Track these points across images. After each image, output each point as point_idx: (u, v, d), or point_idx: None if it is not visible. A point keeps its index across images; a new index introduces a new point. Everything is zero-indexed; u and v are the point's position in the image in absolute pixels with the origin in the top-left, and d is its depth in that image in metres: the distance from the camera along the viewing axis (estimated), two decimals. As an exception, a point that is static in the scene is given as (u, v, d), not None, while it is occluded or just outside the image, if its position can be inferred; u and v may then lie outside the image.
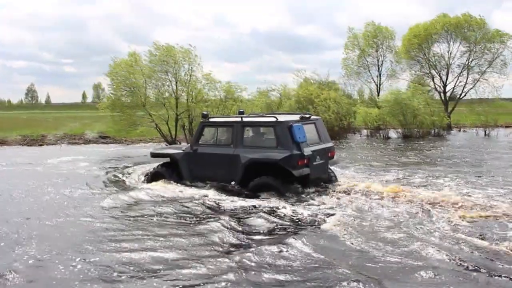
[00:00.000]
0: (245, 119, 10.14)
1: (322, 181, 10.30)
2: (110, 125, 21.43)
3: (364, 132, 27.38)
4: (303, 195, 9.38)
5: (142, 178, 11.86)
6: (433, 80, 32.49)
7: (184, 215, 8.21)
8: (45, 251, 6.22)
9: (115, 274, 5.42)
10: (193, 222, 7.78)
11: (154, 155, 11.60)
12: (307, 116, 10.39)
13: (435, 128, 26.19)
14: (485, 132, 27.07)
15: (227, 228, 7.25)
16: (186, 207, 8.71)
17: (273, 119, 9.61)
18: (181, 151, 10.73)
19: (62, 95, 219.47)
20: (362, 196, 9.31)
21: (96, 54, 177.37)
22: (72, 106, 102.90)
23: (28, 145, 22.54)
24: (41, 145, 22.68)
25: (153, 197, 9.63)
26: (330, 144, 10.55)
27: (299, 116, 10.18)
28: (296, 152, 9.24)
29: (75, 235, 7.08)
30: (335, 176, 10.82)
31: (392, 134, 25.88)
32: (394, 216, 7.79)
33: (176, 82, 18.66)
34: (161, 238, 6.77)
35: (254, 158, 9.51)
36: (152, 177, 11.15)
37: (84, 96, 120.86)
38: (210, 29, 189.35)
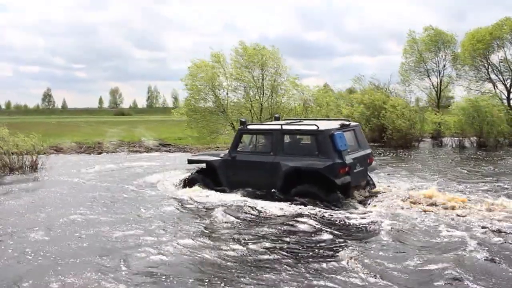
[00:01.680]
0: (285, 127, 10.07)
1: (361, 187, 10.41)
2: (189, 133, 19.76)
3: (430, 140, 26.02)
4: (345, 203, 9.39)
5: (179, 183, 11.64)
6: (494, 86, 30.82)
7: (229, 222, 8.37)
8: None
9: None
10: (239, 230, 7.90)
11: (191, 162, 11.59)
12: (347, 123, 10.32)
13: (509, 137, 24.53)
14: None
15: (279, 237, 7.41)
16: (229, 214, 8.86)
17: (314, 128, 9.53)
18: (219, 158, 10.67)
19: (74, 100, 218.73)
20: (399, 204, 9.41)
21: (106, 59, 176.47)
22: (89, 111, 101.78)
23: (86, 153, 21.01)
24: (99, 153, 21.12)
25: (195, 204, 9.88)
26: (368, 151, 10.67)
27: (339, 123, 10.12)
28: (338, 160, 9.22)
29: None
30: (373, 182, 10.99)
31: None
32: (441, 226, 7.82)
33: (263, 85, 17.02)
34: (214, 246, 6.99)
35: (296, 166, 9.49)
36: (189, 183, 11.23)
37: (100, 101, 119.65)
38: (219, 35, 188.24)
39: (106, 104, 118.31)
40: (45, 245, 7.21)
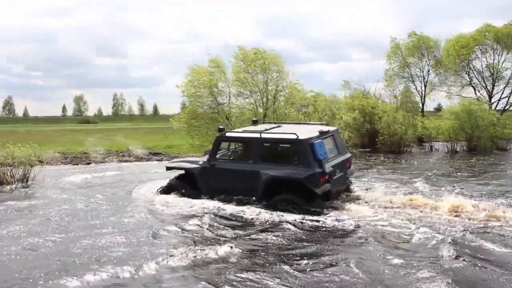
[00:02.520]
0: (264, 135, 9.98)
1: (341, 191, 10.59)
2: (190, 141, 18.78)
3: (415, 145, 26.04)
4: (325, 207, 9.54)
5: (156, 191, 11.57)
6: (474, 91, 31.30)
7: (211, 229, 8.41)
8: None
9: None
10: (221, 237, 7.93)
11: (169, 168, 11.40)
12: (326, 129, 10.37)
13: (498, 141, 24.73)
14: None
15: (262, 243, 7.51)
16: (210, 221, 8.90)
17: (294, 137, 9.48)
18: (198, 166, 10.56)
19: (35, 108, 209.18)
20: (376, 207, 9.77)
21: (67, 66, 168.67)
22: (52, 119, 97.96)
23: (73, 164, 19.71)
24: (88, 163, 19.86)
25: (173, 211, 9.94)
26: (348, 155, 10.89)
27: (318, 130, 10.08)
28: (318, 170, 9.28)
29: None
30: (351, 182, 11.29)
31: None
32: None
33: (267, 90, 16.29)
34: (200, 257, 6.91)
35: (276, 175, 9.49)
36: (167, 190, 11.16)
37: (64, 109, 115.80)
38: (182, 42, 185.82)
39: (70, 112, 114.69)
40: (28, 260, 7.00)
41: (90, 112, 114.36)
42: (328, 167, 9.52)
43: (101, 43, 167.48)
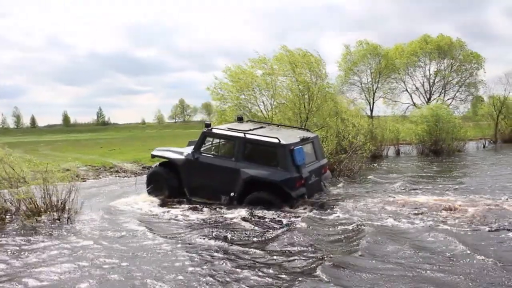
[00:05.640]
0: (248, 136, 10.40)
1: (315, 193, 11.08)
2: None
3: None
4: (299, 204, 10.21)
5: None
6: (411, 97, 33.63)
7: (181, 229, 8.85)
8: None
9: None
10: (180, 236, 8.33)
11: (155, 157, 11.76)
12: (307, 136, 10.94)
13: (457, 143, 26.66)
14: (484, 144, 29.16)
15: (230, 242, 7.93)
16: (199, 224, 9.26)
17: (276, 141, 10.01)
18: (183, 157, 11.01)
19: None
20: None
21: None
22: None
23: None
24: (83, 180, 17.11)
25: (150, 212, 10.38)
26: (324, 161, 11.57)
27: (299, 136, 10.67)
28: (295, 174, 9.88)
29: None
30: (325, 186, 11.83)
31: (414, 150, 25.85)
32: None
33: (309, 97, 15.36)
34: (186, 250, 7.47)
35: (255, 176, 10.00)
36: (150, 177, 11.58)
37: None
38: (44, 50, 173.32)
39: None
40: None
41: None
42: (305, 172, 10.10)
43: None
